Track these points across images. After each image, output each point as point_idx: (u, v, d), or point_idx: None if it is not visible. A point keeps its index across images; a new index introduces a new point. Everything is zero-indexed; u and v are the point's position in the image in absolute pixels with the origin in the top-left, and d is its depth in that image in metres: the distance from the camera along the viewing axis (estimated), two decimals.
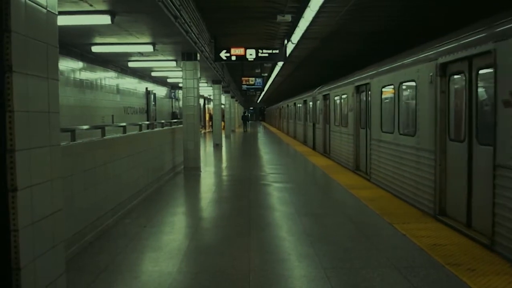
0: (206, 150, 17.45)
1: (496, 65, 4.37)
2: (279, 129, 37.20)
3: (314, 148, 17.20)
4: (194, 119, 10.82)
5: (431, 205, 5.89)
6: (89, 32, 8.38)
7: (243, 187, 8.67)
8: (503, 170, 4.23)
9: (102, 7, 6.53)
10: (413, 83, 6.63)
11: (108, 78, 13.40)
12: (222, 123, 24.51)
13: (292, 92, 32.83)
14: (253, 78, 21.72)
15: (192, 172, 10.63)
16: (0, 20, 2.27)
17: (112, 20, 6.85)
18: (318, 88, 16.59)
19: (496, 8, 5.20)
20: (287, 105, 29.28)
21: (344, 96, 11.71)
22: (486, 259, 4.17)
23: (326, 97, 14.71)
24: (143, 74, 16.68)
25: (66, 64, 10.45)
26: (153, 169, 8.34)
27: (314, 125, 17.36)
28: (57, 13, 2.77)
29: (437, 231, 5.14)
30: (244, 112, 43.66)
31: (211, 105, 25.55)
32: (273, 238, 5.16)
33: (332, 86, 13.58)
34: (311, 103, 18.12)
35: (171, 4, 6.99)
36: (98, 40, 9.27)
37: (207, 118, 34.93)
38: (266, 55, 12.52)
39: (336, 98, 12.94)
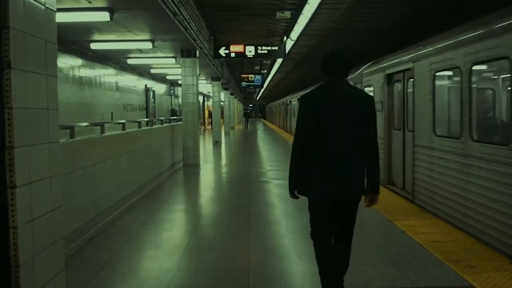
0: (206, 147, 17.44)
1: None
2: (285, 130, 29.01)
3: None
4: (194, 116, 10.80)
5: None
6: (88, 29, 8.36)
7: (243, 184, 8.67)
8: None
9: (101, 4, 6.51)
10: None
11: (107, 75, 13.37)
12: (221, 120, 24.49)
13: (292, 89, 32.72)
14: (253, 75, 21.69)
15: (192, 169, 10.63)
16: None
17: (111, 17, 6.83)
18: (369, 64, 9.26)
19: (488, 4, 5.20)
20: (298, 99, 19.42)
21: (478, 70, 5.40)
22: (486, 256, 4.17)
23: (394, 78, 7.80)
24: (142, 71, 16.65)
25: (65, 61, 10.42)
26: (152, 166, 8.34)
27: None
28: (55, 9, 2.75)
29: (437, 228, 5.14)
30: (245, 110, 46.59)
31: (210, 102, 25.52)
32: (272, 235, 5.16)
33: (424, 51, 6.34)
34: None
35: (170, 0, 6.97)
36: (97, 37, 9.25)
37: (206, 115, 34.91)
38: (265, 52, 12.52)
39: (438, 74, 6.02)
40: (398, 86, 7.65)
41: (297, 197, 3.14)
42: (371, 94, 8.21)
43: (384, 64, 8.00)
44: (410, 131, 6.85)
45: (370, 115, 3.07)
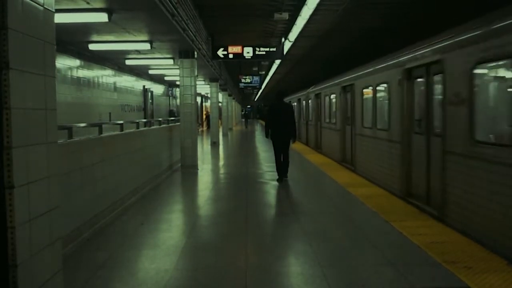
0: (204, 148, 17.43)
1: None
2: (311, 145, 17.27)
3: None
4: (192, 117, 10.80)
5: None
6: (86, 29, 8.35)
7: (240, 185, 8.68)
8: None
9: (99, 4, 6.51)
10: None
11: (105, 76, 13.37)
12: (219, 121, 24.48)
13: (291, 89, 32.65)
14: (251, 76, 21.70)
15: (190, 170, 10.63)
16: None
17: (109, 18, 6.83)
18: None
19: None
20: (366, 86, 9.55)
21: None
22: (483, 257, 4.19)
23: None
24: (140, 72, 16.64)
25: (63, 62, 10.42)
26: (150, 166, 8.34)
27: None
28: (54, 10, 2.76)
29: (434, 229, 5.16)
30: (245, 111, 51.22)
31: (208, 103, 25.52)
32: (270, 236, 5.17)
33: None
34: None
35: (168, 1, 6.97)
36: (95, 37, 9.24)
37: (204, 116, 34.89)
38: (264, 53, 12.51)
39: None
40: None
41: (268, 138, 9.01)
42: None
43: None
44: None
45: (292, 113, 8.83)
